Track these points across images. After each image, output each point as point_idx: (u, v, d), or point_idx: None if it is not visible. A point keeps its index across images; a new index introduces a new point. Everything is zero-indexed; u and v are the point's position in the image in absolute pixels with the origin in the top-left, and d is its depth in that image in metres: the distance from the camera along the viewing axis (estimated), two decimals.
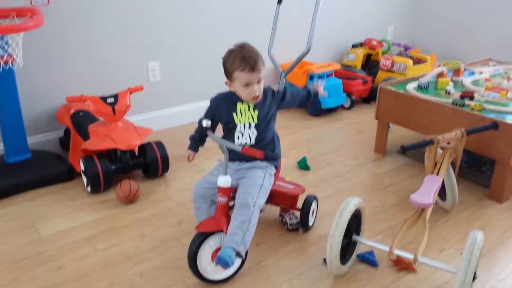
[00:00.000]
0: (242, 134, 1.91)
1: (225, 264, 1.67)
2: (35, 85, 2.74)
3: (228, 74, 1.85)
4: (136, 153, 2.57)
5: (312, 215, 2.16)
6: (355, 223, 1.89)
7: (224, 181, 1.78)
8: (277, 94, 1.96)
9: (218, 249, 1.77)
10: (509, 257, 2.01)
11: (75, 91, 2.73)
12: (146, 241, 2.08)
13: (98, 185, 2.39)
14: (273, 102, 1.94)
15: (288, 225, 2.15)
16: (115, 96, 2.51)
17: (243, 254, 1.75)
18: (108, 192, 2.45)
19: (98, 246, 2.04)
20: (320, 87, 2.06)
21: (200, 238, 1.75)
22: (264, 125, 1.90)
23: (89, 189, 2.43)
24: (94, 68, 2.92)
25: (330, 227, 1.77)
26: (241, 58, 1.79)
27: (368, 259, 1.93)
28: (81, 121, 2.60)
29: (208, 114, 1.96)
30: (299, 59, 2.19)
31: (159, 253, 2.00)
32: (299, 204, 2.14)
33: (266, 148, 1.90)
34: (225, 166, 1.80)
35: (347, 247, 1.87)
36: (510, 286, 1.83)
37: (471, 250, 1.58)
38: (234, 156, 1.91)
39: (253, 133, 1.90)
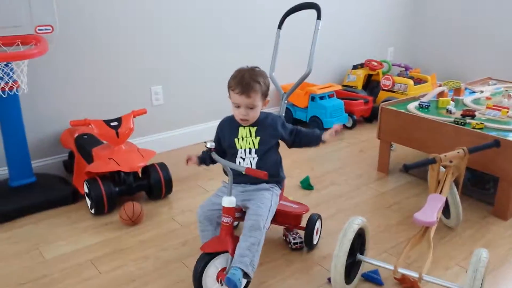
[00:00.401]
0: (243, 159, 1.92)
1: (234, 286, 1.64)
2: (40, 110, 2.77)
3: (228, 90, 1.88)
4: (140, 175, 2.59)
5: (316, 234, 2.16)
6: (359, 242, 1.88)
7: (229, 201, 1.78)
8: (285, 127, 1.97)
9: (223, 270, 1.76)
10: None
11: (79, 115, 2.77)
12: (149, 262, 2.08)
13: (102, 208, 2.40)
14: (278, 131, 1.93)
15: (292, 244, 2.14)
16: (119, 120, 2.54)
17: (252, 275, 1.73)
18: (111, 214, 2.45)
19: (102, 268, 2.04)
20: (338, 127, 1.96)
21: (205, 258, 1.74)
22: (265, 151, 1.90)
23: (93, 211, 2.44)
24: (98, 93, 2.96)
25: (334, 246, 1.77)
26: (237, 77, 1.83)
27: (373, 278, 1.92)
28: (85, 144, 2.62)
29: (215, 137, 2.00)
30: (301, 81, 2.20)
31: (163, 274, 1.99)
32: (303, 223, 2.14)
33: (269, 172, 1.83)
34: (229, 187, 1.80)
35: (352, 266, 1.86)
36: None
37: (476, 268, 1.57)
38: (239, 179, 1.92)
39: (254, 158, 1.91)
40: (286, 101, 2.23)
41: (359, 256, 1.87)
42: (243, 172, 1.77)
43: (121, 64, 3.02)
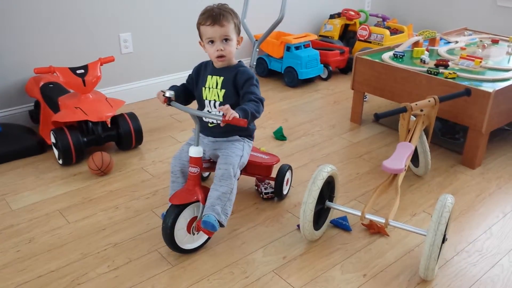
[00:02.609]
0: (209, 112, 1.85)
1: (212, 228, 1.65)
2: (3, 58, 2.65)
3: (198, 31, 1.79)
4: (109, 125, 2.52)
5: (287, 184, 2.17)
6: (328, 190, 1.90)
7: (196, 151, 1.74)
8: (247, 85, 1.78)
9: (192, 219, 1.75)
10: (480, 220, 2.05)
11: (45, 63, 2.66)
12: (119, 212, 2.06)
13: (69, 158, 2.35)
14: (241, 89, 1.79)
15: (263, 194, 2.15)
16: (85, 67, 2.45)
17: (225, 223, 1.73)
18: (80, 165, 2.41)
19: (70, 218, 2.01)
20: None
21: (175, 211, 1.70)
22: (230, 104, 1.66)
23: (60, 162, 2.39)
24: (63, 39, 2.84)
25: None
26: (206, 12, 1.74)
27: (341, 224, 1.95)
28: (51, 93, 2.54)
29: (190, 81, 1.91)
30: (273, 28, 2.13)
31: (133, 223, 1.98)
32: (274, 174, 2.13)
33: (237, 126, 1.68)
34: (196, 136, 1.76)
35: (321, 213, 1.88)
36: (480, 248, 1.87)
37: (441, 213, 1.59)
38: (208, 131, 1.87)
39: (219, 112, 1.72)
40: (257, 49, 2.16)
41: (328, 203, 1.88)
42: (220, 123, 1.65)
43: (88, 9, 2.88)
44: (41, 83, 2.61)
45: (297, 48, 3.56)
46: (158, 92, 1.77)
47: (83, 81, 2.40)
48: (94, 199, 2.15)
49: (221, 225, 1.72)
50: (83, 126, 2.45)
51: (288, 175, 2.16)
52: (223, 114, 1.60)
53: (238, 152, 1.83)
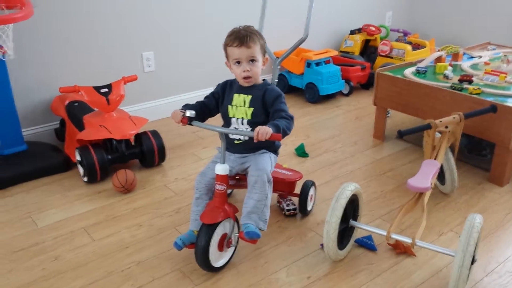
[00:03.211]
0: (236, 129, 1.85)
1: (256, 236, 1.69)
2: (29, 77, 2.71)
3: (225, 52, 1.81)
4: (132, 143, 2.55)
5: (311, 200, 2.15)
6: (352, 208, 1.87)
7: (222, 169, 1.74)
8: (277, 103, 1.80)
9: (223, 237, 1.75)
10: (510, 239, 1.99)
11: (69, 82, 2.71)
12: (143, 230, 2.07)
13: (94, 175, 2.38)
14: (270, 107, 1.81)
15: (286, 210, 2.13)
16: (109, 86, 2.49)
17: (265, 228, 1.77)
18: (104, 182, 2.43)
19: (95, 236, 2.03)
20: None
21: (208, 231, 1.69)
22: (258, 123, 1.71)
23: (85, 179, 2.41)
24: (87, 59, 2.89)
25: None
26: (232, 34, 1.76)
27: (366, 244, 1.92)
28: (76, 112, 2.58)
29: (211, 98, 1.91)
30: (295, 46, 2.14)
31: (156, 241, 1.99)
32: (297, 190, 2.12)
33: (265, 142, 1.67)
34: (222, 153, 1.76)
35: (345, 232, 1.85)
36: (510, 268, 1.81)
37: (470, 233, 1.56)
38: (234, 148, 1.89)
39: (247, 129, 1.84)
40: (278, 67, 2.16)
41: (352, 222, 1.86)
42: (248, 139, 1.72)
43: (111, 29, 2.94)
44: (67, 102, 2.66)
45: (317, 64, 3.56)
46: (175, 112, 1.77)
47: (107, 99, 2.44)
48: (118, 216, 2.17)
49: (261, 229, 1.75)
50: (107, 144, 2.48)
51: (312, 191, 2.15)
52: (237, 140, 1.66)
53: (267, 160, 1.85)
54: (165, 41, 3.18)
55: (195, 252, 1.72)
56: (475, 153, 2.70)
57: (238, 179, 1.98)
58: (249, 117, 1.83)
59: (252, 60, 1.77)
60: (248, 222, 1.72)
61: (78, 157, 2.43)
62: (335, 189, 1.81)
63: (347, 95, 3.76)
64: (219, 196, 1.76)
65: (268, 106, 1.82)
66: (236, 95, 1.85)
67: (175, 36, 3.21)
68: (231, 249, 1.83)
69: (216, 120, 1.93)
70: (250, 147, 1.86)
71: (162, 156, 2.58)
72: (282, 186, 2.10)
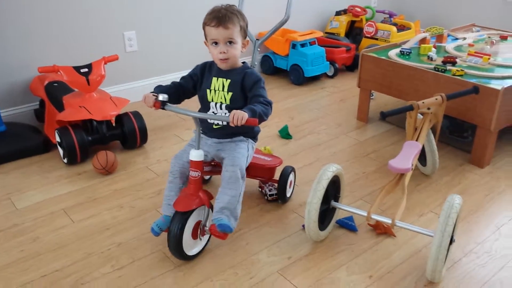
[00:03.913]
0: (215, 114, 1.80)
1: (229, 229, 1.63)
2: (7, 57, 2.65)
3: (203, 31, 1.74)
4: (113, 124, 2.51)
5: (290, 186, 2.11)
6: (333, 190, 1.87)
7: (196, 155, 1.69)
8: (256, 88, 1.75)
9: (197, 224, 1.72)
10: (489, 220, 2.01)
11: (49, 62, 2.65)
12: (123, 211, 2.05)
13: (74, 157, 2.34)
14: (249, 91, 1.76)
15: (268, 196, 2.10)
16: (89, 66, 2.44)
17: (235, 226, 1.71)
18: (85, 164, 2.41)
19: (75, 218, 2.01)
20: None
21: (181, 219, 1.65)
22: (237, 107, 1.63)
23: (65, 160, 2.38)
24: (67, 39, 2.83)
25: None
26: (212, 12, 1.69)
27: (347, 225, 1.93)
28: (56, 92, 2.53)
29: (188, 80, 1.83)
30: (276, 28, 2.08)
31: (137, 223, 1.97)
32: (277, 176, 2.08)
33: (243, 128, 1.68)
34: (197, 139, 1.70)
35: (326, 213, 1.85)
36: (488, 249, 1.84)
37: (448, 214, 1.56)
38: (213, 133, 1.84)
39: (226, 113, 1.78)
40: (258, 49, 2.10)
41: (333, 203, 1.86)
42: (227, 124, 1.59)
43: (92, 8, 2.87)
44: (46, 82, 2.61)
45: (302, 45, 3.53)
46: (147, 96, 1.68)
47: (87, 80, 2.40)
48: (98, 198, 2.15)
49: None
50: (87, 125, 2.44)
51: (291, 177, 2.11)
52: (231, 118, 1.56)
53: (244, 152, 1.80)
54: (148, 20, 3.12)
55: (168, 239, 1.68)
56: (456, 134, 2.72)
57: (214, 165, 1.93)
58: (227, 102, 1.77)
59: (230, 42, 1.69)
60: (221, 216, 1.66)
61: (58, 138, 2.39)
62: (318, 171, 1.80)
63: (332, 77, 3.74)
64: (194, 183, 1.71)
65: (246, 91, 1.76)
66: (214, 79, 1.78)
67: (157, 16, 3.15)
68: (206, 237, 1.79)
69: (193, 102, 1.89)
70: (228, 132, 1.80)
71: (144, 138, 2.55)
72: (261, 172, 2.04)
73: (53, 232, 1.91)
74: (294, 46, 3.53)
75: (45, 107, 2.60)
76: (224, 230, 1.64)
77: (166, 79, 3.29)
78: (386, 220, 1.74)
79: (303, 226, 1.91)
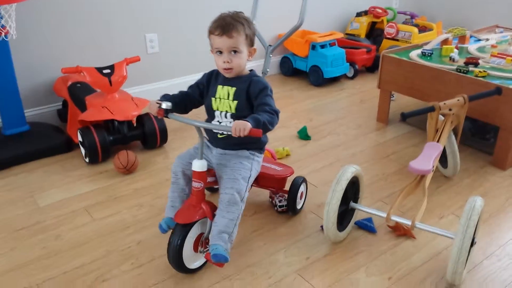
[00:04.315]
0: (220, 123, 1.73)
1: (224, 260, 1.57)
2: (31, 58, 2.71)
3: (209, 39, 1.68)
4: (134, 124, 2.54)
5: (301, 198, 2.04)
6: (353, 191, 1.87)
7: (199, 165, 1.62)
8: (262, 96, 1.67)
9: (199, 236, 1.68)
10: (510, 223, 1.98)
11: (72, 62, 2.70)
12: (143, 210, 2.08)
13: (96, 156, 2.38)
14: (255, 100, 1.69)
15: (278, 207, 2.03)
16: (111, 67, 2.48)
17: (229, 250, 1.62)
18: (106, 163, 2.44)
19: (96, 216, 2.04)
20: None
21: (182, 232, 1.61)
22: (244, 117, 1.55)
23: (87, 160, 2.42)
24: (90, 40, 2.88)
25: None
26: (217, 20, 1.63)
27: (366, 226, 1.92)
28: (79, 93, 2.58)
29: (195, 88, 1.79)
30: (290, 33, 2.04)
31: (157, 222, 1.98)
32: (288, 186, 2.00)
33: (249, 139, 1.57)
34: (200, 149, 1.64)
35: (345, 214, 1.85)
36: (510, 251, 1.81)
37: (470, 215, 1.54)
38: (218, 143, 1.78)
39: (231, 123, 1.69)
40: (271, 55, 2.02)
41: (352, 204, 1.85)
42: (230, 134, 1.51)
43: (115, 10, 2.91)
44: (69, 83, 2.66)
45: (322, 46, 3.52)
46: (151, 103, 1.64)
47: (110, 80, 2.44)
48: (119, 197, 2.18)
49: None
50: (109, 125, 2.48)
51: (302, 188, 2.01)
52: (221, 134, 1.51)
53: (245, 173, 1.69)
54: (169, 23, 3.15)
55: (167, 251, 1.64)
56: (478, 136, 2.68)
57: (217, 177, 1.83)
58: (233, 110, 1.70)
59: (235, 51, 1.63)
60: (217, 242, 1.58)
61: (80, 138, 2.43)
62: (337, 172, 1.79)
63: (351, 78, 3.72)
64: (196, 194, 1.65)
65: (252, 99, 1.68)
66: (220, 87, 1.72)
67: (178, 18, 3.18)
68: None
69: (202, 111, 1.85)
70: (233, 142, 1.73)
71: (164, 138, 2.58)
72: (271, 183, 1.98)
73: (74, 230, 1.95)
74: (313, 47, 3.53)
75: (68, 107, 2.65)
76: (219, 261, 1.56)
77: (186, 80, 3.31)
78: (406, 222, 1.73)
79: (322, 227, 1.90)
